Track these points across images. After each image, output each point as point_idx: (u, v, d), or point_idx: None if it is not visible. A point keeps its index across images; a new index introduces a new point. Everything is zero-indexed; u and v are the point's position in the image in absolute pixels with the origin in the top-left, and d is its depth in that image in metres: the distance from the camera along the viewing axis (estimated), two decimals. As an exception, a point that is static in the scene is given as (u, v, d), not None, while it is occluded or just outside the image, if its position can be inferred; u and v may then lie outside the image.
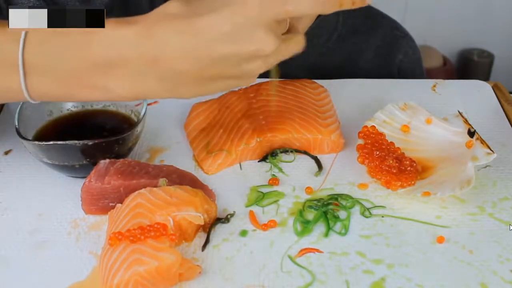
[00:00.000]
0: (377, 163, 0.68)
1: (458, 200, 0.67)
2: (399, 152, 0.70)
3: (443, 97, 0.85)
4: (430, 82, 0.88)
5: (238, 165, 0.72)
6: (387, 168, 0.67)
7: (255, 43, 0.54)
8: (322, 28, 0.92)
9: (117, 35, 0.54)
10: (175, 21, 0.54)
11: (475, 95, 0.85)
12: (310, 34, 0.66)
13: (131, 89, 0.56)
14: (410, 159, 0.68)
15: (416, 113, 0.73)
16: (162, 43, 0.54)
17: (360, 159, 0.70)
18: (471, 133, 0.69)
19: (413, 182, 0.66)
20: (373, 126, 0.72)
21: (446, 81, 0.88)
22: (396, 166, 0.67)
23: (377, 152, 0.69)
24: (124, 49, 0.54)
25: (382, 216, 0.65)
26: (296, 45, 0.59)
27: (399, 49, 0.99)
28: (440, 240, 0.62)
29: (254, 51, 0.54)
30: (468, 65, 2.27)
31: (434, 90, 0.86)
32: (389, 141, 0.71)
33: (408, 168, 0.67)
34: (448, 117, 0.73)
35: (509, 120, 0.80)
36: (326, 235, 0.63)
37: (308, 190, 0.68)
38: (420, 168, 0.69)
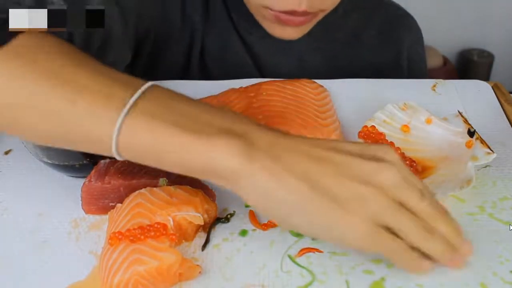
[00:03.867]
0: (377, 163, 0.68)
1: (458, 200, 0.67)
2: (399, 152, 0.70)
3: (443, 97, 0.85)
4: (430, 82, 0.88)
5: (238, 165, 0.72)
6: (387, 168, 0.67)
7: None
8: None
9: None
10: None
11: (475, 95, 0.85)
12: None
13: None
14: (410, 159, 0.68)
15: (416, 113, 0.73)
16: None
17: (360, 159, 0.70)
18: (471, 133, 0.69)
19: (413, 182, 0.66)
20: (373, 126, 0.72)
21: (446, 81, 0.88)
22: (396, 166, 0.67)
23: (377, 152, 0.69)
24: None
25: (382, 216, 0.65)
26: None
27: (402, 26, 1.00)
28: (440, 240, 0.62)
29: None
30: (468, 65, 2.27)
31: (434, 90, 0.86)
32: (389, 141, 0.71)
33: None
34: (448, 117, 0.73)
35: (509, 120, 0.80)
36: (326, 235, 0.63)
37: (308, 190, 0.68)
38: (420, 168, 0.69)
